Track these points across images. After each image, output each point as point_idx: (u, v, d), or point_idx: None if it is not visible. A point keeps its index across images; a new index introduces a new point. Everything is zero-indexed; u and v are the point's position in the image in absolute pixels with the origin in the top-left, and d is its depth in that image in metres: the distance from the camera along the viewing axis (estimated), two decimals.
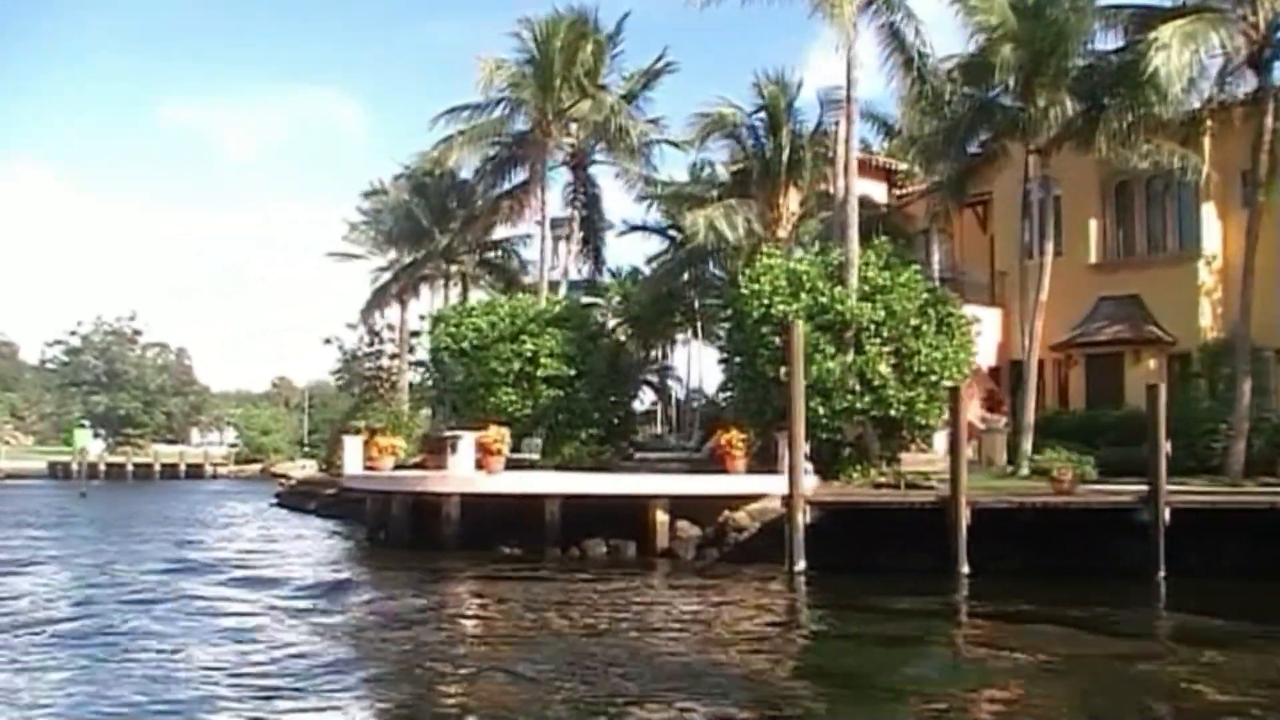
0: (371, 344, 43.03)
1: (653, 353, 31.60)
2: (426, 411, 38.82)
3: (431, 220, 33.88)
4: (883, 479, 20.25)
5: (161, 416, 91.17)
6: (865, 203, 25.14)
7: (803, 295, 20.28)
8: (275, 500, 43.10)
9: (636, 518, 20.20)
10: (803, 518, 17.34)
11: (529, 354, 26.78)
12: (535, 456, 26.43)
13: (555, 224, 30.68)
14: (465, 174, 33.25)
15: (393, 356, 42.50)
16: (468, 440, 21.16)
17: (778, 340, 20.20)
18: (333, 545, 25.00)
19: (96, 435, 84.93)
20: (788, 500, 17.50)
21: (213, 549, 23.20)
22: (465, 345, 27.49)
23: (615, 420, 28.01)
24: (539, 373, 26.58)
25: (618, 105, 27.61)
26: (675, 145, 29.15)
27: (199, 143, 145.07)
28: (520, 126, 29.81)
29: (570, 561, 19.87)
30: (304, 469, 48.01)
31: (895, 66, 21.21)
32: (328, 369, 45.00)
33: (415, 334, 42.25)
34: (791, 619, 14.54)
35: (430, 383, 31.07)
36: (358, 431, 42.36)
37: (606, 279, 34.20)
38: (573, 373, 26.84)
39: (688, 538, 20.01)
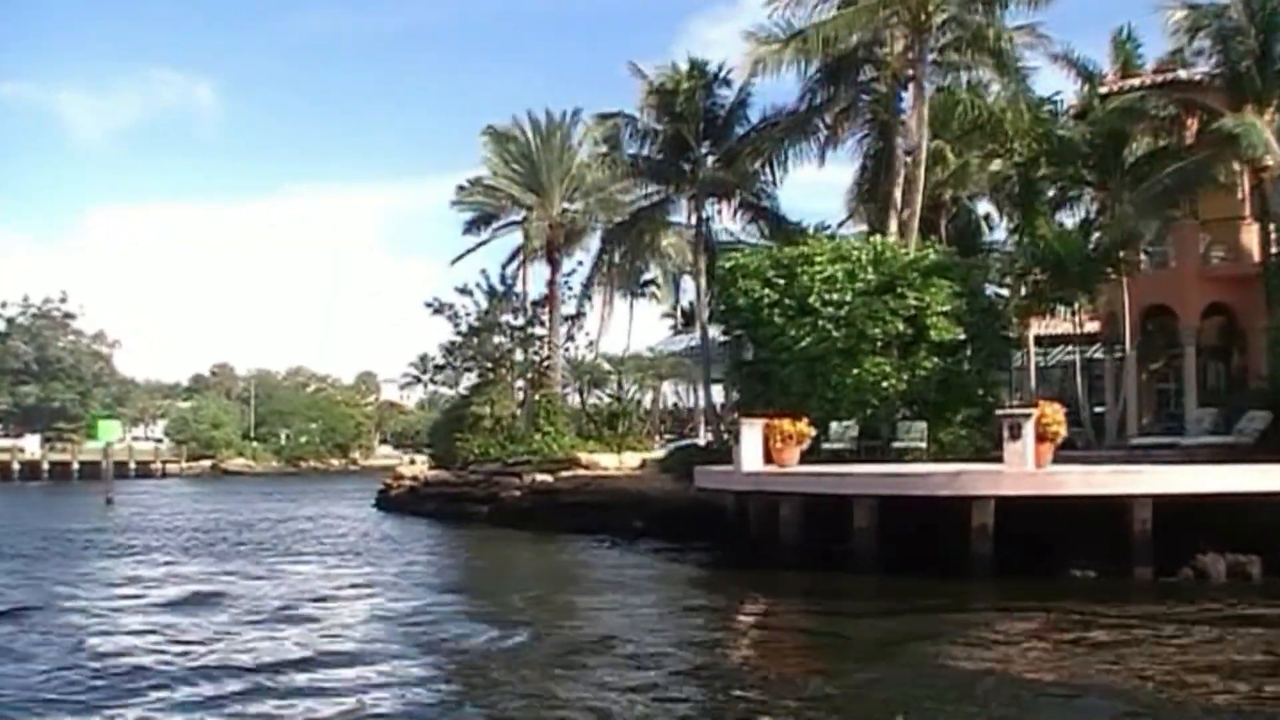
0: (489, 311, 35.39)
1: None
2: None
3: (696, 144, 26.78)
4: None
5: (98, 408, 79.77)
6: None
7: None
8: (378, 505, 35.35)
9: (1260, 524, 14.74)
10: None
11: (910, 312, 20.79)
12: (920, 444, 20.63)
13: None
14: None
15: (530, 324, 35.19)
16: (1030, 423, 15.08)
17: None
18: (669, 569, 18.08)
19: (36, 431, 73.65)
20: None
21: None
22: (814, 300, 21.18)
23: (992, 399, 22.26)
24: (930, 336, 20.62)
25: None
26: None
27: (41, 124, 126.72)
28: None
29: (1178, 587, 14.29)
30: (413, 464, 40.08)
31: None
32: (438, 343, 36.72)
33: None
34: None
35: (731, 351, 24.38)
36: (489, 420, 35.69)
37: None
38: (962, 337, 21.02)
39: None
